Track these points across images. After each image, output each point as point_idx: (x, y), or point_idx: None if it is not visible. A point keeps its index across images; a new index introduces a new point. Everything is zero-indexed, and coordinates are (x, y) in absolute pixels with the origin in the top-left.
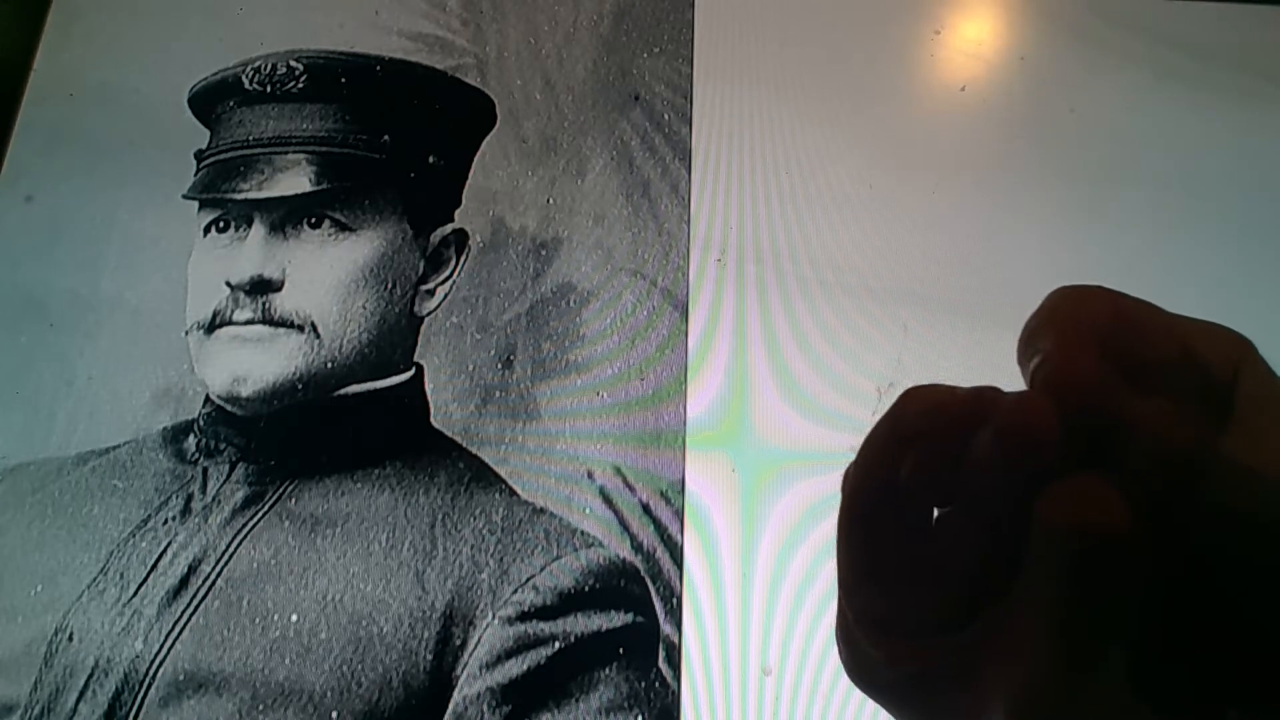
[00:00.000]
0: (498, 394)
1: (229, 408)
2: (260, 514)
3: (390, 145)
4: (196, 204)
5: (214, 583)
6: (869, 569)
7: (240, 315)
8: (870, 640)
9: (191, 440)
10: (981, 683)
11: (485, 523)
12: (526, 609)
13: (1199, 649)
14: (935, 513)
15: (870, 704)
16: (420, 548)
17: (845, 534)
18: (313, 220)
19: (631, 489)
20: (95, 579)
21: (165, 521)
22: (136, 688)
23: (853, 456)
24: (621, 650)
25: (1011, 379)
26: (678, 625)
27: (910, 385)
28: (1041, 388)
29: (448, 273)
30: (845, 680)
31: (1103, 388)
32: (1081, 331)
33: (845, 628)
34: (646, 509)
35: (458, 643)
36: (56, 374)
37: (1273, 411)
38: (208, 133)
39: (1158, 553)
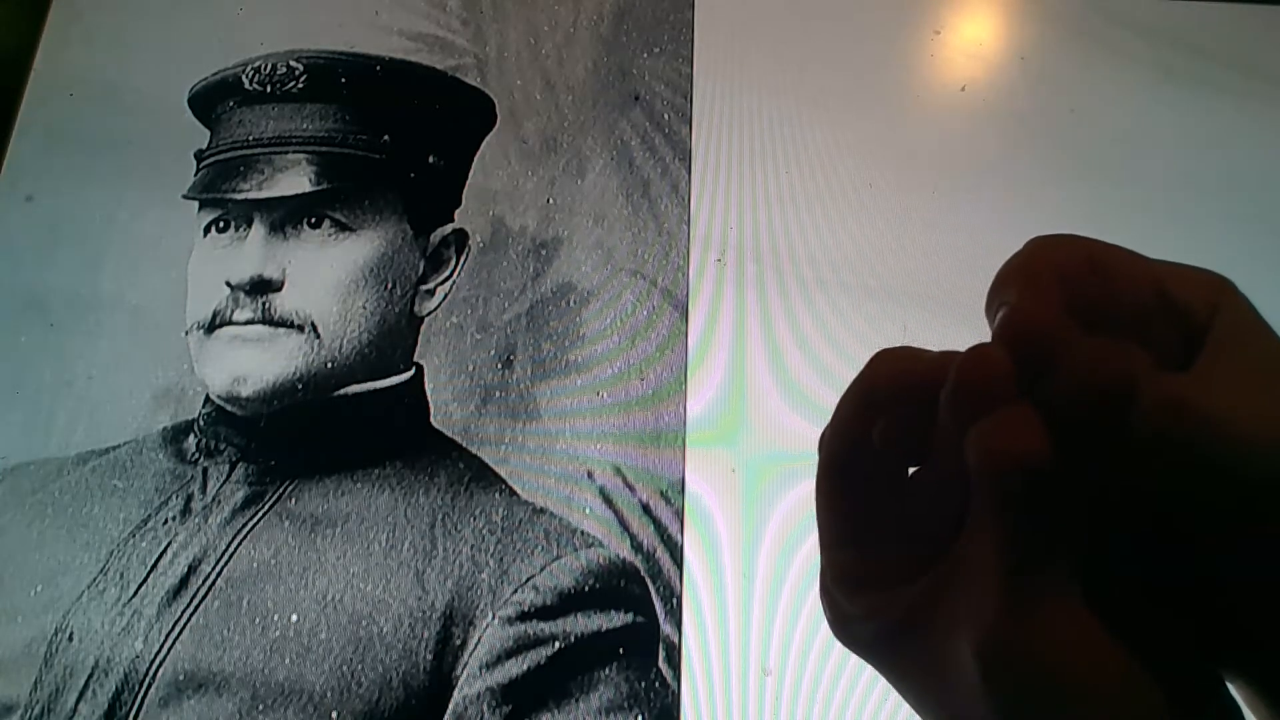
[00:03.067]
0: (498, 394)
1: (229, 408)
2: (260, 514)
3: (390, 145)
4: (197, 204)
5: (214, 583)
6: (846, 528)
7: (240, 315)
8: (847, 595)
9: (191, 440)
10: (948, 623)
11: (485, 523)
12: (526, 609)
13: (1169, 591)
14: (910, 471)
15: (870, 704)
16: (420, 548)
17: (823, 495)
18: (313, 220)
19: (631, 489)
20: (95, 579)
21: (165, 521)
22: (136, 688)
23: None
24: (621, 650)
25: None
26: (678, 625)
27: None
28: (998, 337)
29: (448, 273)
30: (845, 680)
31: (1062, 337)
32: (1047, 281)
33: (826, 585)
34: (646, 509)
35: (458, 643)
36: (56, 374)
37: (1242, 353)
38: (208, 133)
39: (1095, 485)
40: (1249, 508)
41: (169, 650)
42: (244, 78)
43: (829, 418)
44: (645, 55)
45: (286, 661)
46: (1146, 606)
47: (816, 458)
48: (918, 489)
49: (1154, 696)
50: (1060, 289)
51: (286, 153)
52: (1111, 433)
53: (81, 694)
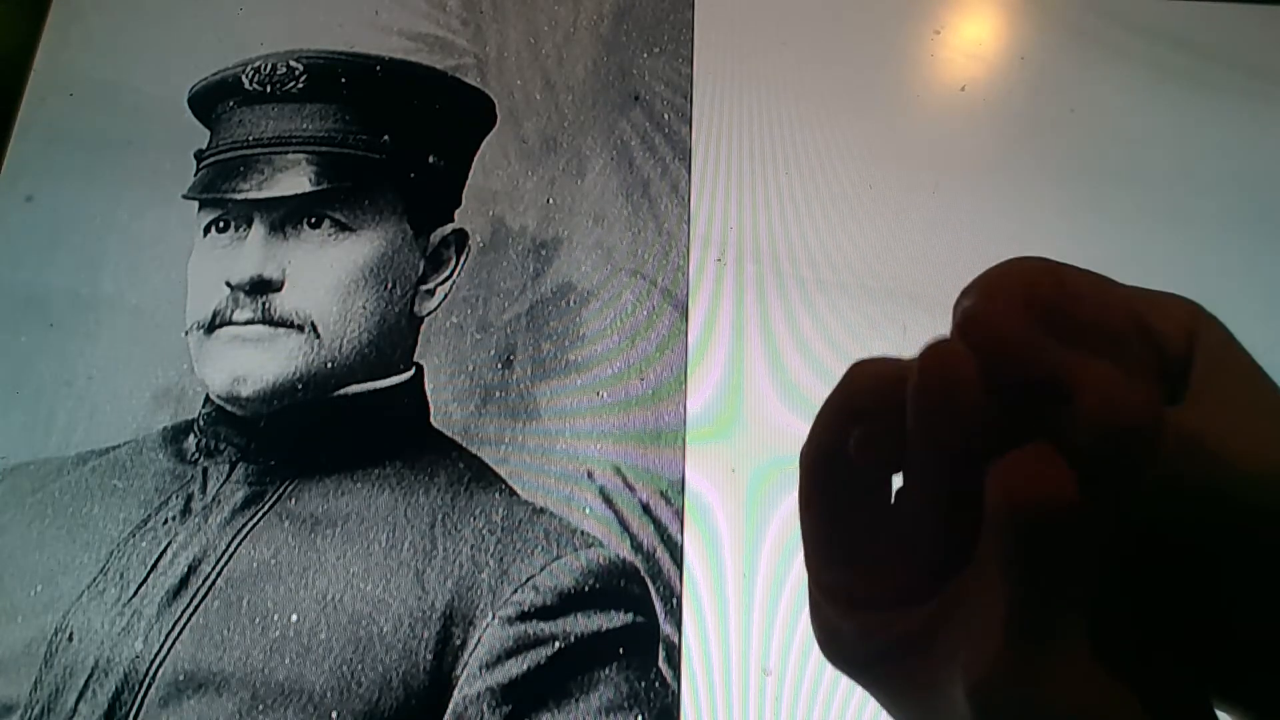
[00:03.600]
0: (498, 394)
1: (229, 408)
2: (260, 514)
3: (390, 145)
4: (196, 204)
5: (214, 583)
6: (832, 544)
7: (240, 315)
8: (839, 614)
9: (191, 440)
10: (947, 656)
11: (485, 523)
12: (526, 609)
13: (1164, 626)
14: (895, 485)
15: (870, 705)
16: (420, 548)
17: (806, 511)
18: (313, 220)
19: (631, 488)
20: (95, 579)
21: (165, 521)
22: (136, 688)
23: None
24: (621, 650)
25: None
26: (678, 625)
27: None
28: (955, 332)
29: (448, 273)
30: (845, 680)
31: (1024, 334)
32: (1009, 287)
33: (816, 604)
34: (646, 508)
35: (458, 643)
36: (56, 374)
37: (1229, 381)
38: (208, 133)
39: (1111, 527)
40: (1254, 537)
41: (169, 650)
42: (244, 78)
43: None
44: (645, 55)
45: (286, 661)
46: (1144, 642)
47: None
48: (902, 501)
49: None
50: (1023, 297)
51: (286, 153)
52: (1133, 472)
53: (81, 694)
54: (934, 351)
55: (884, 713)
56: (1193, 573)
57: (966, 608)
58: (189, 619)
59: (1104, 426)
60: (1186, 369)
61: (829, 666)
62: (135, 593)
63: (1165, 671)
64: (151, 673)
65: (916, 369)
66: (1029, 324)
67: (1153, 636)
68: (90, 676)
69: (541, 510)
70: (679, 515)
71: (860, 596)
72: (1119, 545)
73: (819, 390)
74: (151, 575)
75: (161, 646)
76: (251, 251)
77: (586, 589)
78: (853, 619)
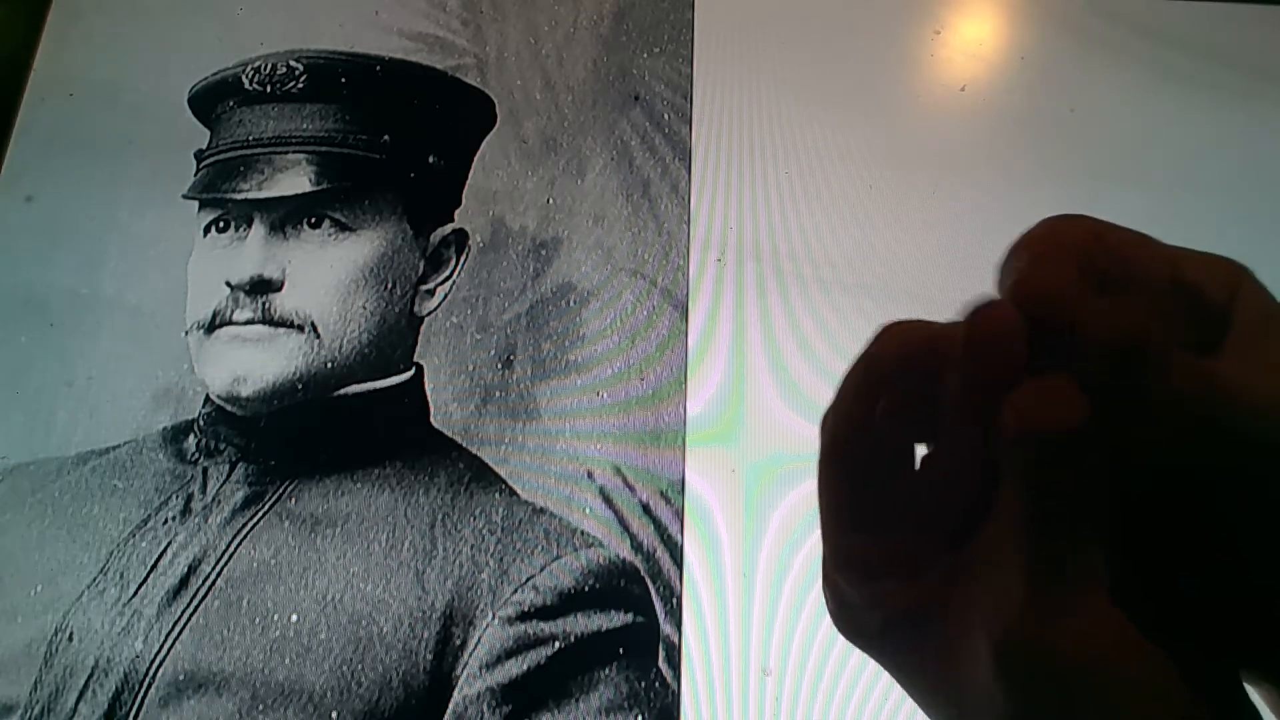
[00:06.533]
0: (498, 394)
1: (229, 408)
2: (260, 514)
3: (390, 145)
4: (196, 204)
5: (214, 583)
6: (851, 513)
7: (240, 315)
8: (853, 585)
9: (191, 440)
10: (967, 614)
11: (485, 523)
12: (526, 609)
13: (1187, 564)
14: (919, 453)
15: (869, 704)
16: (420, 548)
17: (826, 479)
18: (313, 220)
19: (631, 488)
20: (95, 579)
21: (165, 521)
22: (136, 688)
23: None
24: (621, 650)
25: None
26: (678, 625)
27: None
28: (1008, 296)
29: (448, 273)
30: (846, 680)
31: (1077, 298)
32: (1059, 249)
33: (829, 573)
34: (646, 508)
35: (458, 643)
36: (56, 374)
37: (1271, 330)
38: (208, 133)
39: (1126, 454)
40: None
41: (169, 650)
42: (244, 78)
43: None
44: (645, 55)
45: (286, 661)
46: (1170, 605)
47: (816, 457)
48: (927, 472)
49: (1178, 699)
50: (1073, 259)
51: (286, 153)
52: (1138, 396)
53: (81, 694)
54: (985, 312)
55: (883, 712)
56: (1221, 536)
57: (984, 568)
58: (189, 619)
59: (1105, 345)
60: (1226, 322)
61: (829, 666)
62: (135, 593)
63: (1193, 638)
64: (151, 673)
65: (966, 327)
66: (1080, 286)
67: (1181, 603)
68: (90, 676)
69: (541, 510)
70: (679, 515)
71: (875, 565)
72: (1138, 486)
73: (820, 390)
74: (151, 575)
75: (161, 646)
76: (251, 251)
77: (586, 589)
78: (866, 588)
